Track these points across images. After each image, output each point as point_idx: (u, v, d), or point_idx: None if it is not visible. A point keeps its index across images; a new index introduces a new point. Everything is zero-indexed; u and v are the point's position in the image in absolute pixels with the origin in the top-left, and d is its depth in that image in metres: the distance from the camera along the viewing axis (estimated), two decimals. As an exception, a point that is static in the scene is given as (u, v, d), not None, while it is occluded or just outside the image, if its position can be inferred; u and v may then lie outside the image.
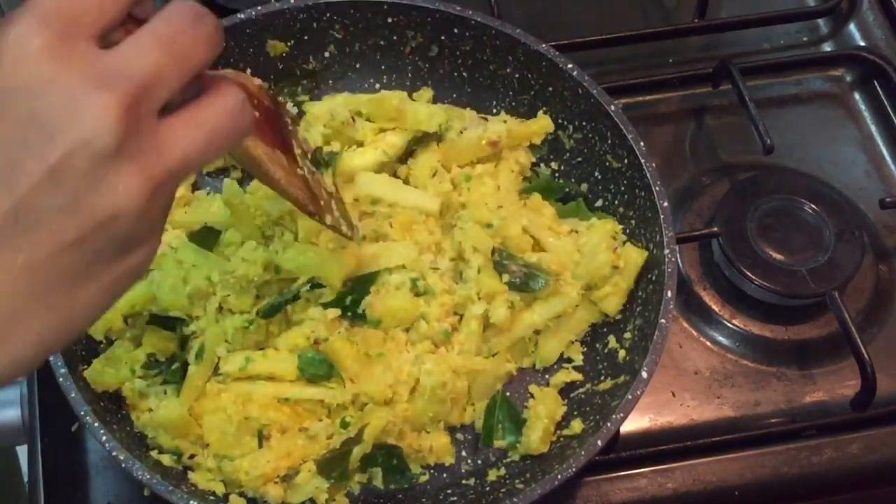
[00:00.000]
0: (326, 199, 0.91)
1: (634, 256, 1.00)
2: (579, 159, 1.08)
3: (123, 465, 0.86)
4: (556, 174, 1.11)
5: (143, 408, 0.96)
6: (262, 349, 0.97)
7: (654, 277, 0.96)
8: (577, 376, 1.01)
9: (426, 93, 1.13)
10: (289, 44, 1.10)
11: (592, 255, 1.00)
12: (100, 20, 0.56)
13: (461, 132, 1.08)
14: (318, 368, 0.95)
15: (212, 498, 0.91)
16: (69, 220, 0.54)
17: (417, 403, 0.95)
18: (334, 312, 0.96)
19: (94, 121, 0.53)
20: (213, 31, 0.59)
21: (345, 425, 0.94)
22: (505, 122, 1.09)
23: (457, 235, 1.01)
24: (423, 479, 0.98)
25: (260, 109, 0.79)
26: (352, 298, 0.97)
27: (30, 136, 0.53)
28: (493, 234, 1.00)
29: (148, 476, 0.86)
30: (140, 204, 0.56)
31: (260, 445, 0.94)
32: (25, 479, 1.14)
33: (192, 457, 0.94)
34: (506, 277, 0.99)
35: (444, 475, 0.98)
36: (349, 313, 0.97)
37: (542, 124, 1.08)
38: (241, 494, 0.93)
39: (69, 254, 0.55)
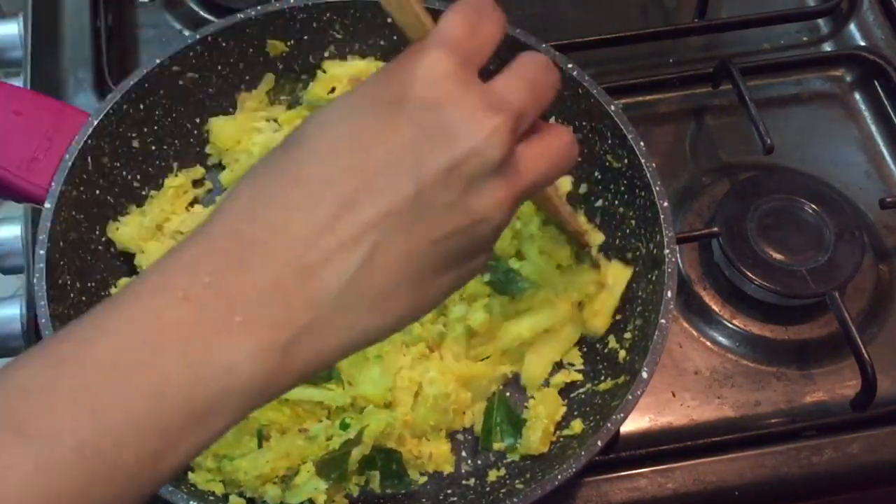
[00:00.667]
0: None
1: (620, 272, 1.01)
2: (579, 159, 1.07)
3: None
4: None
5: None
6: None
7: (654, 277, 0.96)
8: (577, 377, 1.01)
9: None
10: (288, 43, 1.10)
11: (576, 273, 1.01)
12: (483, 56, 0.68)
13: None
14: None
15: (212, 498, 0.91)
16: (450, 216, 0.64)
17: (419, 411, 0.95)
18: None
19: (489, 135, 0.64)
20: (557, 80, 0.71)
21: (344, 427, 0.94)
22: None
23: None
24: (422, 480, 0.97)
25: None
26: None
27: (436, 139, 0.63)
28: None
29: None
30: (503, 214, 0.67)
31: (259, 445, 0.94)
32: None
33: None
34: (486, 277, 0.98)
35: (444, 475, 0.98)
36: None
37: None
38: (241, 494, 0.92)
39: (442, 245, 0.65)
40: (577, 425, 0.95)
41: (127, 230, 1.02)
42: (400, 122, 0.63)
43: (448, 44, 0.65)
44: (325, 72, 1.10)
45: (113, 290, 1.01)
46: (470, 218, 0.65)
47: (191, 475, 0.93)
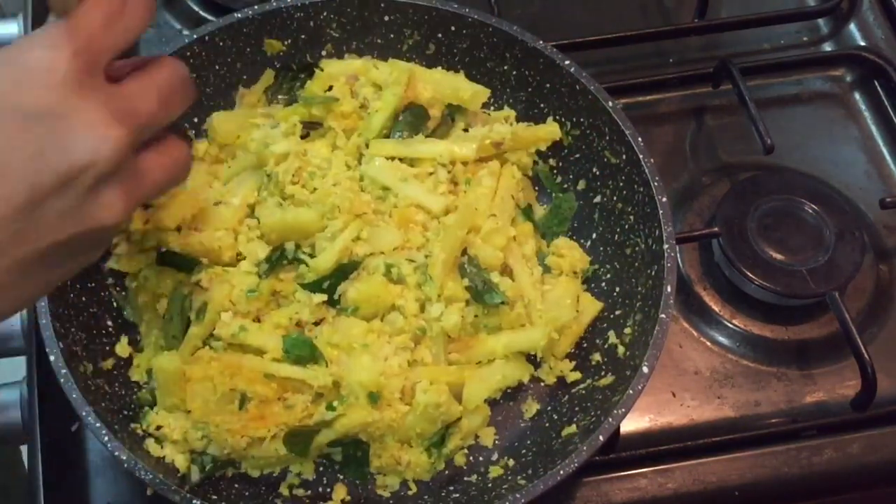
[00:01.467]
0: None
1: (590, 306, 1.02)
2: (577, 155, 1.08)
3: (125, 465, 0.86)
4: (555, 170, 1.11)
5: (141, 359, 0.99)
6: (257, 321, 0.98)
7: (653, 273, 0.96)
8: (577, 376, 1.01)
9: None
10: (286, 42, 1.10)
11: (555, 306, 1.00)
12: (116, 52, 0.66)
13: (465, 129, 1.07)
14: (302, 350, 0.95)
15: (214, 497, 0.91)
16: (64, 224, 0.65)
17: (408, 417, 0.95)
18: (321, 297, 0.96)
19: (108, 148, 0.63)
20: (191, 96, 0.72)
21: (331, 408, 0.94)
22: (507, 118, 1.09)
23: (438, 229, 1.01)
24: (391, 485, 0.97)
25: None
26: (329, 283, 0.97)
27: (49, 149, 0.62)
28: (471, 239, 1.00)
29: (150, 476, 0.86)
30: (120, 219, 0.67)
31: (240, 409, 0.94)
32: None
33: (158, 428, 0.94)
34: (466, 282, 0.98)
35: (447, 472, 0.98)
36: (328, 298, 0.97)
37: (549, 130, 1.08)
38: (203, 454, 0.93)
39: (57, 248, 0.66)
40: (578, 421, 0.94)
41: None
42: (15, 129, 0.62)
43: (76, 39, 0.63)
44: (322, 70, 1.10)
45: (112, 290, 1.01)
46: (85, 225, 0.66)
47: (148, 443, 0.93)
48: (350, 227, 0.99)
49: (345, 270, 0.98)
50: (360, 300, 0.97)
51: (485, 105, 1.10)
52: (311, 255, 0.98)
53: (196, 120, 1.09)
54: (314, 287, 0.97)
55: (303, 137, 1.06)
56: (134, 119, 0.65)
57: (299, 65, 1.11)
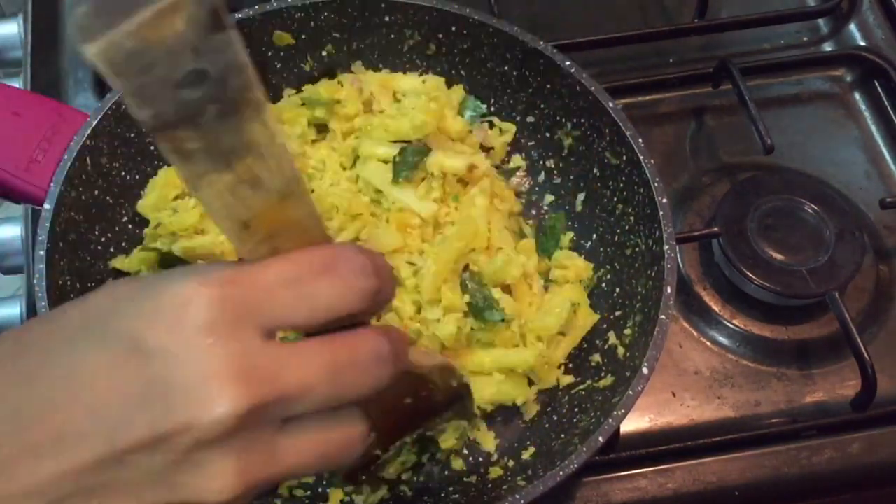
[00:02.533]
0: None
1: (587, 318, 1.02)
2: (577, 157, 1.08)
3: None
4: (554, 171, 1.11)
5: None
6: None
7: (653, 274, 0.96)
8: (571, 379, 1.01)
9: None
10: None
11: (544, 315, 1.00)
12: (281, 320, 0.55)
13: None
14: None
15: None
16: (151, 489, 0.53)
17: None
18: None
19: (213, 408, 0.51)
20: (389, 372, 0.58)
21: None
22: (506, 131, 1.11)
23: (437, 240, 1.01)
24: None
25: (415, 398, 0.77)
26: None
27: (150, 397, 0.52)
28: (474, 257, 1.00)
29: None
30: (225, 498, 0.54)
31: None
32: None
33: None
34: (467, 298, 0.98)
35: (446, 472, 0.98)
36: None
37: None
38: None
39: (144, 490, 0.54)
40: (578, 422, 0.94)
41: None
42: (121, 365, 0.52)
43: (221, 292, 0.53)
44: (341, 85, 1.10)
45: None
46: (176, 496, 0.53)
47: None
48: (350, 227, 0.99)
49: None
50: None
51: (485, 106, 1.11)
52: None
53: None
54: None
55: (315, 141, 1.07)
56: (269, 385, 0.53)
57: (320, 72, 1.12)
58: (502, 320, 0.98)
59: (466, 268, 1.01)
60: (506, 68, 1.09)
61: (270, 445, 0.55)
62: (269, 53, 1.10)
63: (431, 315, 0.97)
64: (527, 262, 1.03)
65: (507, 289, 1.02)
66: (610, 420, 0.88)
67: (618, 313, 1.01)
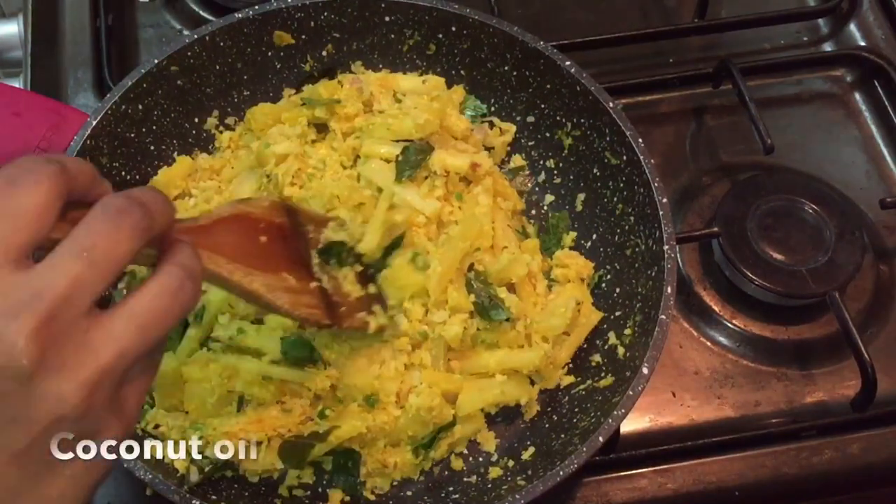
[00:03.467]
0: (349, 302, 0.89)
1: (591, 316, 1.01)
2: (577, 157, 1.08)
3: (125, 465, 0.86)
4: (554, 171, 1.11)
5: None
6: (256, 322, 0.97)
7: (653, 274, 0.96)
8: (572, 379, 1.01)
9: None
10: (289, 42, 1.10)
11: (549, 315, 1.00)
12: (26, 242, 0.57)
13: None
14: (300, 351, 0.95)
15: (213, 498, 0.91)
16: (15, 432, 0.57)
17: (400, 420, 0.95)
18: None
19: (8, 349, 0.55)
20: (138, 220, 0.60)
21: (322, 416, 0.94)
22: (507, 131, 1.10)
23: (442, 240, 1.01)
24: (383, 486, 0.97)
25: (268, 233, 0.79)
26: (376, 264, 0.95)
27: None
28: (479, 256, 1.01)
29: (149, 476, 0.86)
30: (78, 405, 0.57)
31: (238, 411, 0.94)
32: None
33: (157, 427, 0.94)
34: (472, 297, 0.98)
35: (446, 473, 0.98)
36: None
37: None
38: (204, 457, 0.92)
39: (24, 457, 0.58)
40: (578, 422, 0.95)
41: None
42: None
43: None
44: (341, 84, 1.10)
45: (111, 289, 1.01)
46: (38, 426, 0.57)
47: (151, 443, 0.92)
48: (357, 218, 0.98)
49: (392, 246, 0.96)
50: (387, 286, 0.95)
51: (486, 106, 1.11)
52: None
53: (196, 120, 1.10)
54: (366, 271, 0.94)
55: (315, 141, 1.06)
56: (39, 301, 0.56)
57: (320, 72, 1.12)
58: (508, 319, 0.98)
59: (471, 267, 1.00)
60: (506, 68, 1.09)
61: (83, 345, 0.58)
62: (269, 53, 1.10)
63: (438, 318, 0.97)
64: (532, 261, 1.03)
65: (511, 288, 1.02)
66: (610, 420, 0.88)
67: (618, 313, 1.01)
